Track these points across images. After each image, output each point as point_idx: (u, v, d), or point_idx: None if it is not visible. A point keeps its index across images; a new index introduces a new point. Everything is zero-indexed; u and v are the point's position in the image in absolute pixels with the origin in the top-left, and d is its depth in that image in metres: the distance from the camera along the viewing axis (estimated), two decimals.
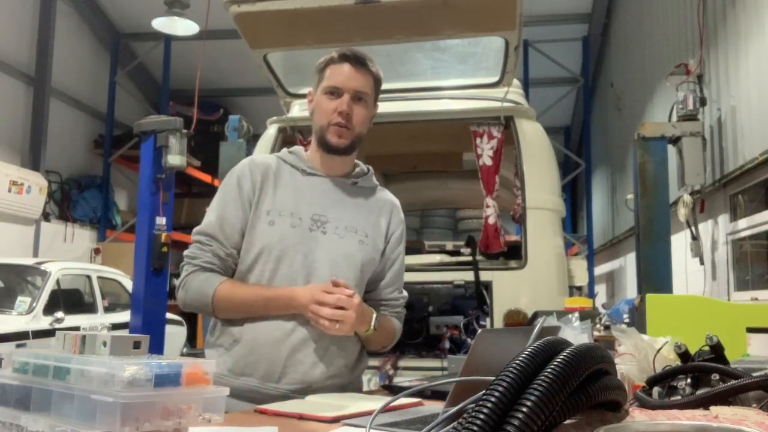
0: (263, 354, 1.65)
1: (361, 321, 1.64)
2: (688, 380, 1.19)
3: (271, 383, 1.65)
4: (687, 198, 4.87)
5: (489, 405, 0.74)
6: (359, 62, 1.75)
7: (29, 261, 6.79)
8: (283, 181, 1.76)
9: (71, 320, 5.83)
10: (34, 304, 5.71)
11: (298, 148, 1.85)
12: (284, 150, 1.86)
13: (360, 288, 1.77)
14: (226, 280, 1.69)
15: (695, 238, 5.03)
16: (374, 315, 1.70)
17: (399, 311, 1.88)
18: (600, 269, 11.13)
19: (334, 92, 1.73)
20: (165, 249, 4.41)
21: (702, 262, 5.09)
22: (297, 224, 1.70)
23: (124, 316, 6.32)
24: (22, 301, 5.73)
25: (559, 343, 0.90)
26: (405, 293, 1.92)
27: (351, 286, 1.64)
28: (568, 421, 0.88)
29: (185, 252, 1.73)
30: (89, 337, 1.09)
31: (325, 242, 1.72)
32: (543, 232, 4.01)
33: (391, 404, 1.17)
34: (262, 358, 1.65)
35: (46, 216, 9.31)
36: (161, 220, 4.45)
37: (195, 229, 1.75)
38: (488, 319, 3.93)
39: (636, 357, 1.45)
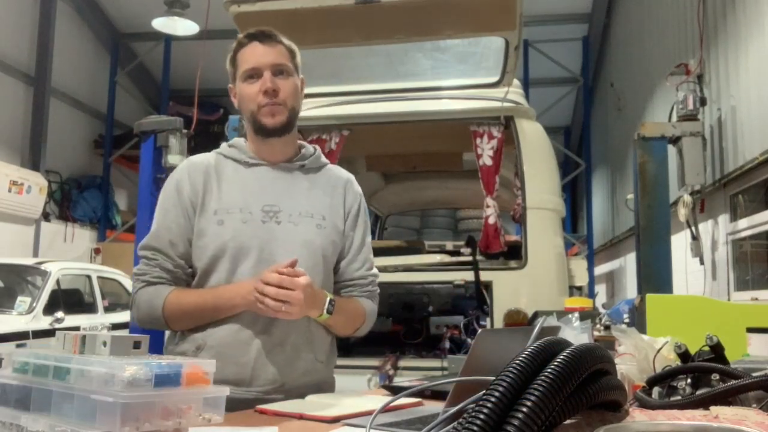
0: (231, 359, 1.56)
1: (312, 304, 1.54)
2: (688, 380, 1.19)
3: (242, 387, 1.56)
4: (687, 198, 4.88)
5: (489, 405, 0.74)
6: (267, 36, 1.67)
7: (29, 261, 6.79)
8: (226, 177, 1.67)
9: (71, 320, 5.83)
10: (34, 304, 5.71)
11: (238, 140, 1.76)
12: (223, 144, 1.78)
13: (324, 274, 1.69)
14: (174, 289, 1.61)
15: (695, 238, 5.03)
16: (328, 298, 1.60)
17: (370, 290, 1.79)
18: (600, 269, 11.14)
19: (253, 74, 1.65)
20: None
21: (702, 262, 5.09)
22: (248, 219, 1.62)
23: (124, 316, 6.33)
24: (22, 301, 5.73)
25: (559, 343, 0.90)
26: (375, 271, 1.82)
27: (301, 271, 1.52)
28: (568, 421, 0.88)
29: (134, 269, 1.67)
30: (89, 337, 1.08)
31: (281, 232, 1.64)
32: (543, 232, 4.01)
33: (391, 404, 1.17)
34: (230, 364, 1.56)
35: (46, 216, 9.31)
36: None
37: (140, 244, 1.67)
38: (488, 319, 3.93)
39: (636, 357, 1.45)
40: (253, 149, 1.72)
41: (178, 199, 1.65)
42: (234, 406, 1.42)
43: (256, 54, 1.65)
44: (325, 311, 1.59)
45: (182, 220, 1.64)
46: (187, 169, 1.69)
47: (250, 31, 1.68)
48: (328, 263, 1.71)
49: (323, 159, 1.81)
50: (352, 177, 1.85)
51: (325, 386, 1.72)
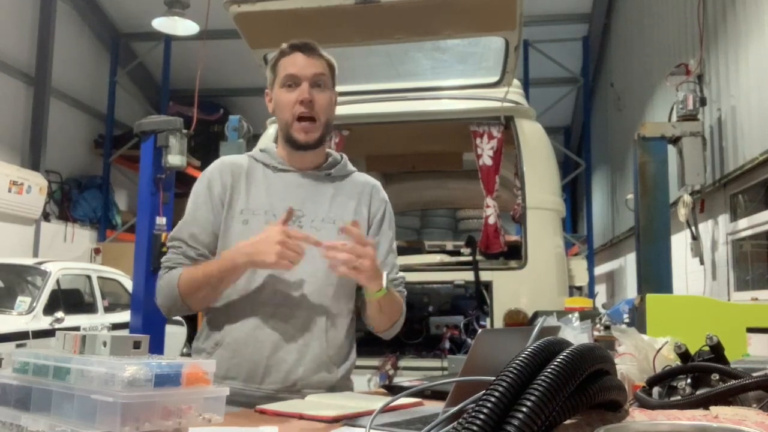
0: (245, 355, 1.63)
1: (377, 274, 1.58)
2: (688, 380, 1.19)
3: (253, 384, 1.62)
4: (687, 198, 4.88)
5: (489, 405, 0.74)
6: (310, 49, 1.72)
7: (29, 261, 6.78)
8: (255, 180, 1.73)
9: (71, 320, 5.82)
10: (34, 304, 5.71)
11: (270, 146, 1.82)
12: (256, 148, 1.84)
13: (341, 279, 1.69)
14: (187, 267, 1.66)
15: (695, 238, 5.04)
16: (385, 273, 1.63)
17: (399, 291, 1.81)
18: (600, 269, 11.13)
19: (292, 83, 1.70)
20: (165, 249, 4.40)
21: (702, 262, 5.09)
22: (272, 221, 1.65)
23: (124, 316, 6.32)
24: (22, 301, 5.73)
25: (559, 343, 0.90)
26: (401, 274, 1.85)
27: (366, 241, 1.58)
28: (568, 421, 0.88)
29: (161, 259, 1.73)
30: (89, 337, 1.09)
31: None
32: (543, 232, 4.01)
33: (391, 404, 1.16)
34: (244, 360, 1.63)
35: (46, 216, 9.31)
36: (161, 220, 4.46)
37: (168, 236, 1.74)
38: (488, 319, 3.94)
39: (636, 357, 1.45)
40: (283, 156, 1.78)
41: (208, 195, 1.72)
42: (245, 404, 1.45)
43: (297, 63, 1.71)
44: (384, 287, 1.61)
45: (211, 215, 1.71)
46: (219, 167, 1.76)
47: (294, 42, 1.73)
48: None
49: (350, 167, 1.86)
50: (377, 183, 1.88)
51: (340, 390, 1.71)
